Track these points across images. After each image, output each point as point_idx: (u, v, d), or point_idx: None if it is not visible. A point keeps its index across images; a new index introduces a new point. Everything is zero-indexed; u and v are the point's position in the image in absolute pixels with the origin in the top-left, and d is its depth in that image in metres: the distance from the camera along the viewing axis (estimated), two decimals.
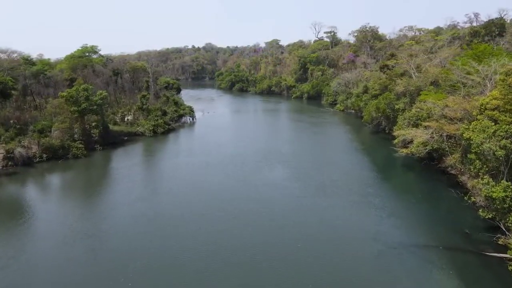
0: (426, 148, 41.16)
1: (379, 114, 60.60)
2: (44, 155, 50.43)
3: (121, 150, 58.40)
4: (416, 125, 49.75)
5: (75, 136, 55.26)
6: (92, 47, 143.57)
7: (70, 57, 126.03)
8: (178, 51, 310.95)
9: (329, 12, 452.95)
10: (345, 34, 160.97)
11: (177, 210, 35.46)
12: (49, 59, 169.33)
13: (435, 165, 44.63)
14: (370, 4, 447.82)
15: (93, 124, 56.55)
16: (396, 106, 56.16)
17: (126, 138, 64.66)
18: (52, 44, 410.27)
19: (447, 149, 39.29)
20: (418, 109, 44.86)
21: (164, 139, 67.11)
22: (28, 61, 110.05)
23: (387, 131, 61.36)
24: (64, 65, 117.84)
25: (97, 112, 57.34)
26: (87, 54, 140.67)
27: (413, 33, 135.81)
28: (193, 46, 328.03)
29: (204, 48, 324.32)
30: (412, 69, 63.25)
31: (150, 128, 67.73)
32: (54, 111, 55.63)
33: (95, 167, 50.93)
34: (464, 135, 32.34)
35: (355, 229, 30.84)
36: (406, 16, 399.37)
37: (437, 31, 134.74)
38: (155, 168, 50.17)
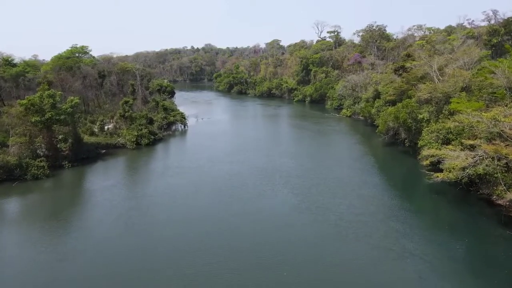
0: (467, 173, 32.32)
1: (398, 125, 51.75)
2: None
3: (94, 168, 49.55)
4: (447, 141, 41.02)
5: (38, 151, 46.48)
6: (82, 47, 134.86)
7: (58, 58, 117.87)
8: (177, 52, 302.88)
9: (332, 12, 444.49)
10: (349, 34, 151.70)
11: (152, 249, 26.94)
12: (43, 60, 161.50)
13: (475, 192, 35.89)
14: (373, 2, 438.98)
15: (60, 136, 47.67)
16: (420, 116, 47.33)
17: (103, 151, 55.93)
18: (51, 45, 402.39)
19: (498, 175, 30.45)
20: (457, 122, 35.91)
21: (148, 152, 58.26)
22: (8, 63, 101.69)
23: (406, 144, 52.46)
24: (50, 66, 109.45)
25: (67, 122, 48.60)
26: (76, 54, 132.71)
27: (422, 33, 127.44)
28: (192, 47, 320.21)
29: (203, 49, 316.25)
30: (435, 71, 54.51)
31: (133, 139, 58.89)
32: (11, 122, 46.75)
33: (54, 191, 41.73)
34: None
35: None
36: (412, 15, 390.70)
37: (449, 30, 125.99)
38: (130, 193, 40.92)
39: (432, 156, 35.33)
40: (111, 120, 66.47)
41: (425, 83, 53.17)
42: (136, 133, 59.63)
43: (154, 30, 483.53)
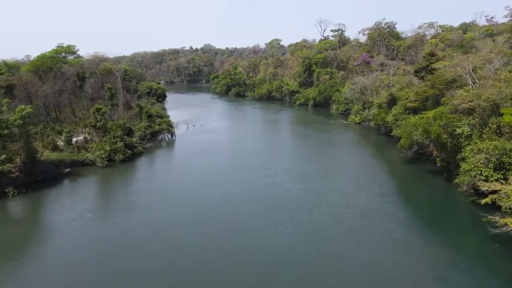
0: None
1: (428, 140, 41.72)
2: None
3: (49, 194, 39.47)
4: (501, 165, 31.15)
5: None
6: (68, 46, 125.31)
7: (40, 58, 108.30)
8: (175, 53, 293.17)
9: (332, 10, 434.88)
10: (351, 33, 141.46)
11: None
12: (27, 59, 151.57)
13: None
14: (373, 2, 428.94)
15: (2, 157, 37.61)
16: (458, 130, 37.29)
17: (67, 170, 46.03)
18: (51, 45, 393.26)
19: None
20: None
21: (122, 170, 48.09)
22: None
23: (438, 163, 42.32)
24: (29, 67, 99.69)
25: (14, 137, 38.68)
26: (62, 54, 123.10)
27: (434, 31, 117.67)
28: (191, 47, 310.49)
29: (202, 49, 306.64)
30: (469, 73, 44.67)
31: (104, 155, 48.83)
32: None
33: None
34: None
35: None
36: (416, 13, 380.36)
37: (464, 27, 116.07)
38: (89, 238, 30.85)
39: (495, 192, 25.34)
40: (83, 131, 56.50)
41: (458, 88, 43.44)
42: (108, 148, 49.62)
43: (154, 30, 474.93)
